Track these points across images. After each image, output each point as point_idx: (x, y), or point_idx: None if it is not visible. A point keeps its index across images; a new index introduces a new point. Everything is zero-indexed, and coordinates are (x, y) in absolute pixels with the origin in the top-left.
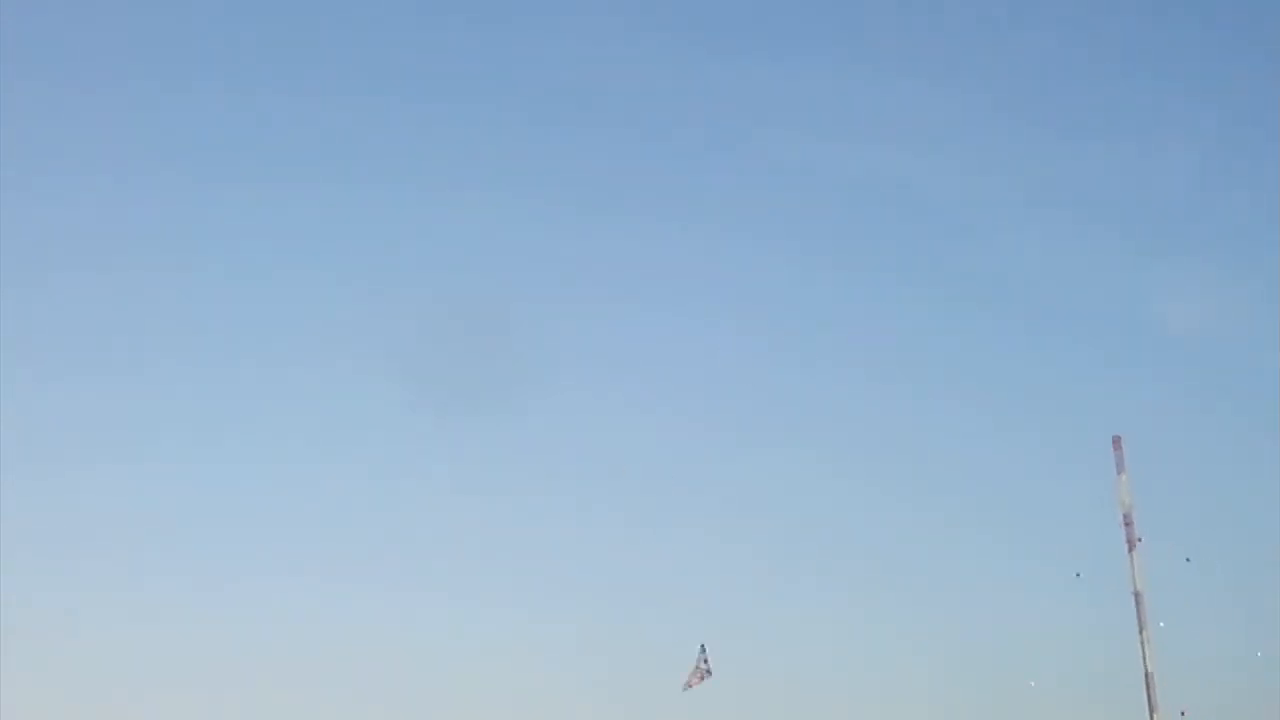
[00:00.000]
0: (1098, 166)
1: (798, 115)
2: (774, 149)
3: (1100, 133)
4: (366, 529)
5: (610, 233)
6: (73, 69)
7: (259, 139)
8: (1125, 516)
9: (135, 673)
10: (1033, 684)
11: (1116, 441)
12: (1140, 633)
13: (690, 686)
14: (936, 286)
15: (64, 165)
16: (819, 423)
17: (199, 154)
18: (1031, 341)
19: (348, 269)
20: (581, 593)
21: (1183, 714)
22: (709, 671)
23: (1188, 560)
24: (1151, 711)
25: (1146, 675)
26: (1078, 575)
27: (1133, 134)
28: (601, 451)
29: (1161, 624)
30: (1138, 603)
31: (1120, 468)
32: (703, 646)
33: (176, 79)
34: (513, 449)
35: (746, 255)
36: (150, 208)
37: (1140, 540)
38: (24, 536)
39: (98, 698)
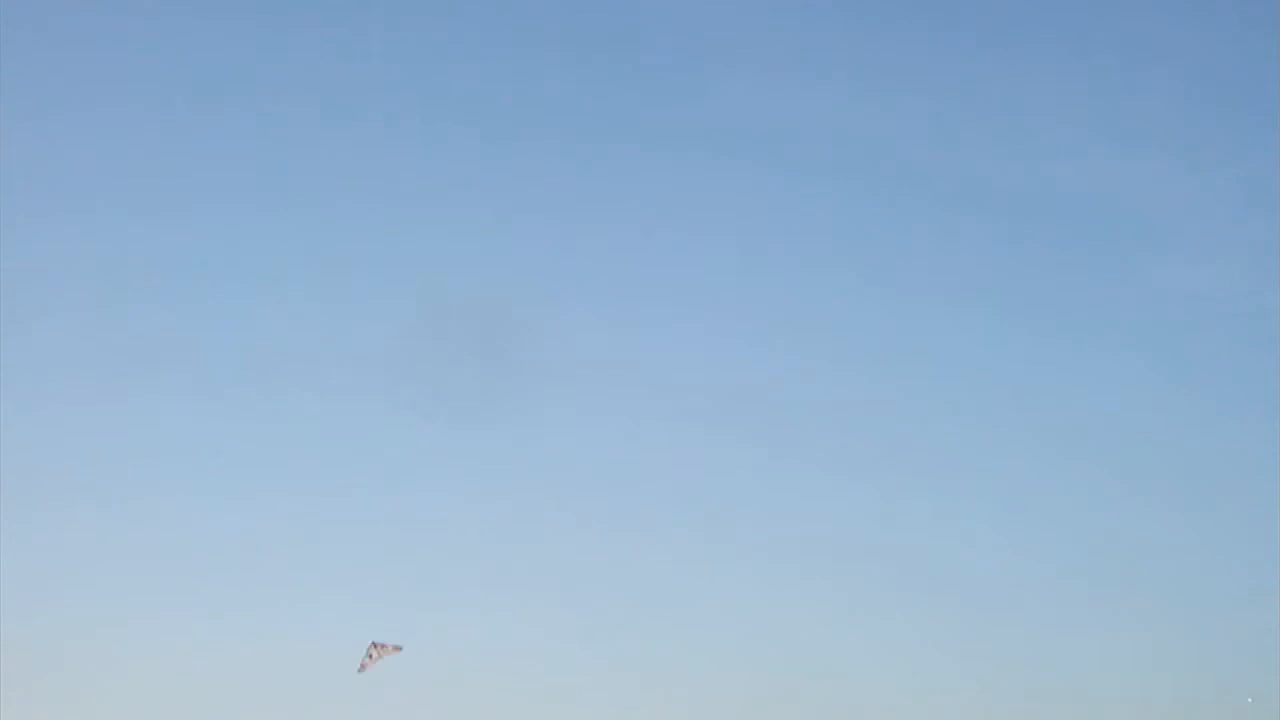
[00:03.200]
0: None
1: None
2: None
3: None
4: (367, 543)
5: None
6: (64, 85)
7: (256, 146)
8: None
9: (146, 694)
10: (1250, 700)
11: None
12: None
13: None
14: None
15: (60, 182)
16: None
17: (194, 167)
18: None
19: (342, 276)
20: (583, 600)
21: None
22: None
23: None
24: None
25: None
26: None
27: None
28: (602, 452)
29: None
30: None
31: None
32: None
33: (163, 95)
34: (514, 454)
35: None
36: (143, 226)
37: None
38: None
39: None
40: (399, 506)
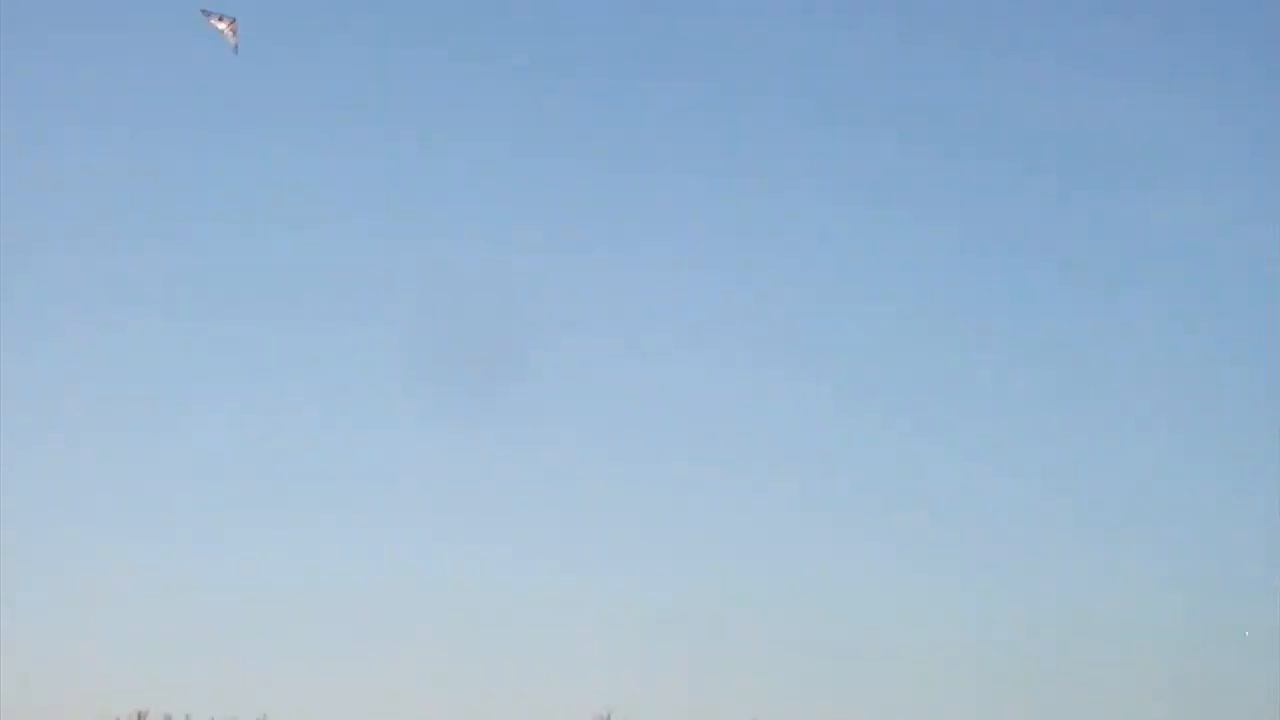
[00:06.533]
0: None
1: None
2: None
3: None
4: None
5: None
6: (75, 45)
7: (261, 135)
8: None
9: (162, 627)
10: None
11: None
12: None
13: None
14: None
15: (67, 160)
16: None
17: (199, 151)
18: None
19: (354, 251)
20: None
21: None
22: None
23: None
24: None
25: None
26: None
27: None
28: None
29: None
30: None
31: None
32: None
33: (185, 109)
34: (519, 420)
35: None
36: (152, 205)
37: None
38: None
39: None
40: (399, 510)
